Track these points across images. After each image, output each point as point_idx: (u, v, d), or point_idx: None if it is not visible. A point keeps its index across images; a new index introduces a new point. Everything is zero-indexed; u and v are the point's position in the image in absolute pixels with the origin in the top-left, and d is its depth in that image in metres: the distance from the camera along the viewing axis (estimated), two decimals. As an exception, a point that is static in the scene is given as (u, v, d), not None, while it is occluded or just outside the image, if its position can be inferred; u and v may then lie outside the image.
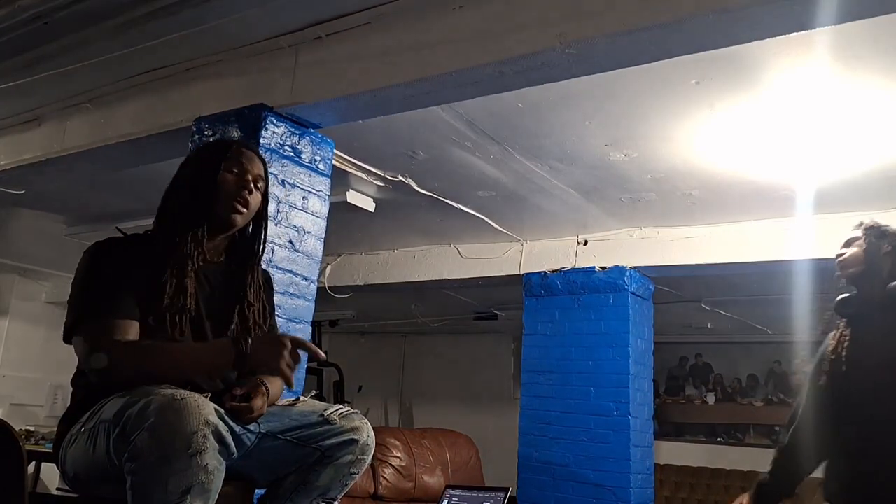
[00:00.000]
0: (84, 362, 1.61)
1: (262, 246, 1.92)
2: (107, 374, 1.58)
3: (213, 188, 1.78)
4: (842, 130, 3.28)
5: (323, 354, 1.70)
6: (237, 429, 1.59)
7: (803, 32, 2.20)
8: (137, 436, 1.40)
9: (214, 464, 1.44)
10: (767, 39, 2.29)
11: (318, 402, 1.90)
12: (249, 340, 1.61)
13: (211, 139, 2.97)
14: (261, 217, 1.90)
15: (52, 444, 1.76)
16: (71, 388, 1.76)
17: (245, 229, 1.89)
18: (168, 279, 1.69)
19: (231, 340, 1.64)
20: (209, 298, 1.78)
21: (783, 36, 2.24)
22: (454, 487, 4.35)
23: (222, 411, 1.53)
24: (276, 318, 2.12)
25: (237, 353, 1.60)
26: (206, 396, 1.53)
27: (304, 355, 2.87)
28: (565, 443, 4.79)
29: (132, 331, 1.64)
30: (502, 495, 4.15)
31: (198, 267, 1.76)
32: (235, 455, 1.55)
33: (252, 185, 1.81)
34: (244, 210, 1.81)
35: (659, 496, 6.34)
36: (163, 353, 1.62)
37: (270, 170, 2.08)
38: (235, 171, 1.81)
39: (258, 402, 1.66)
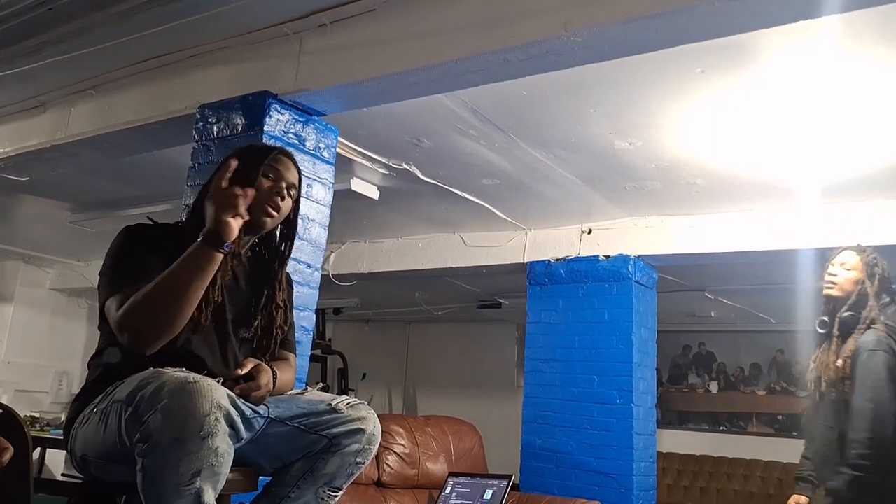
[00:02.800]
0: (114, 322, 1.62)
1: (287, 253, 1.98)
2: (131, 320, 1.59)
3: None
4: (847, 120, 3.26)
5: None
6: (247, 412, 1.62)
7: (809, 21, 2.19)
8: (150, 417, 1.42)
9: (225, 447, 1.46)
10: (773, 28, 2.28)
11: (325, 393, 1.94)
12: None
13: (215, 127, 2.97)
14: (291, 222, 1.96)
15: (57, 430, 1.78)
16: (86, 371, 1.78)
17: (273, 231, 1.95)
18: None
19: (200, 240, 1.64)
20: (233, 292, 1.83)
21: (789, 24, 2.23)
22: (457, 475, 4.37)
23: (234, 396, 1.56)
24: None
25: (209, 238, 1.62)
26: (218, 381, 1.55)
27: (308, 344, 2.87)
28: (568, 431, 4.80)
29: None
30: (505, 482, 4.17)
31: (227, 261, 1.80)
32: (245, 438, 1.58)
33: (285, 192, 1.87)
34: (275, 214, 1.86)
35: (661, 484, 6.34)
36: (159, 285, 1.61)
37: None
38: (272, 176, 1.86)
39: (263, 379, 1.70)
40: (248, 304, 1.88)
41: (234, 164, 1.72)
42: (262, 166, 1.85)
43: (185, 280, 1.60)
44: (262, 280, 1.92)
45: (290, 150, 2.86)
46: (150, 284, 1.60)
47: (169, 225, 1.88)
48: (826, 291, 2.83)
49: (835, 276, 2.82)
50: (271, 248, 1.98)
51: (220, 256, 1.63)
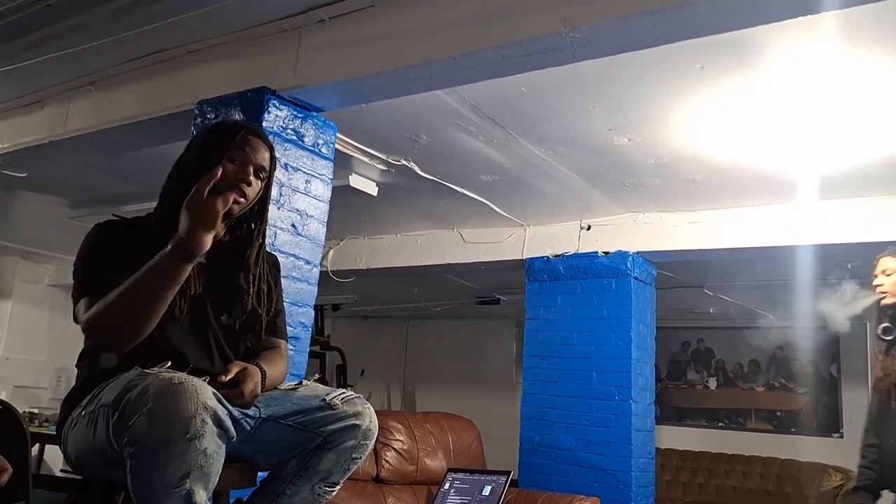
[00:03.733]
0: (82, 330, 1.60)
1: (259, 232, 1.88)
2: (94, 325, 1.57)
3: None
4: (846, 116, 3.26)
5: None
6: (236, 413, 1.59)
7: (809, 17, 2.19)
8: (136, 420, 1.40)
9: (213, 447, 1.44)
10: (773, 24, 2.27)
11: (320, 385, 1.89)
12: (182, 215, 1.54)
13: (214, 122, 2.97)
14: (262, 200, 1.86)
15: (55, 427, 1.78)
16: (75, 370, 1.76)
17: (245, 215, 1.86)
18: None
19: (167, 248, 1.55)
20: (209, 279, 1.76)
21: (789, 20, 2.23)
22: (456, 471, 4.37)
23: (221, 395, 1.53)
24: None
25: (180, 250, 1.53)
26: (205, 380, 1.52)
27: (306, 340, 2.86)
28: (567, 427, 4.81)
29: None
30: (504, 478, 4.17)
31: None
32: (235, 439, 1.55)
33: (251, 178, 1.77)
34: (241, 201, 1.76)
35: (660, 480, 6.35)
36: (123, 294, 1.55)
37: (273, 153, 2.06)
38: (237, 160, 1.77)
39: (248, 387, 1.64)
40: (228, 290, 1.81)
41: (218, 171, 1.59)
42: (226, 149, 1.76)
43: (151, 290, 1.55)
44: (240, 264, 1.85)
45: (289, 145, 2.87)
46: (115, 292, 1.54)
47: (140, 219, 1.81)
48: (884, 301, 2.89)
49: (882, 284, 2.89)
50: (242, 231, 1.88)
51: (189, 267, 1.56)
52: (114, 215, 1.81)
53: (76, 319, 1.64)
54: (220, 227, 1.54)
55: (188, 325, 1.72)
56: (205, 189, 1.54)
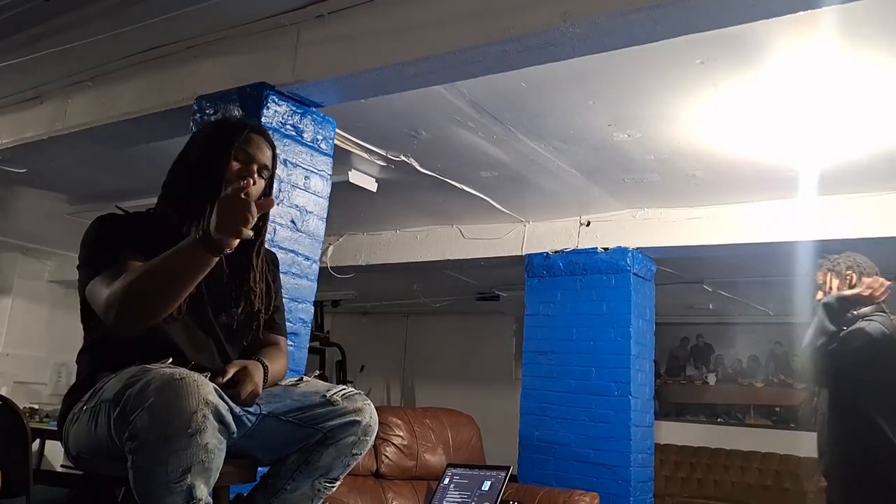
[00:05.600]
0: (101, 302, 1.59)
1: (261, 232, 1.88)
2: (123, 299, 1.54)
3: (218, 174, 1.76)
4: (846, 112, 3.26)
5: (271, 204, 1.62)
6: (237, 409, 1.59)
7: (809, 12, 2.19)
8: (137, 416, 1.41)
9: (214, 443, 1.45)
10: (773, 19, 2.27)
11: (320, 382, 1.90)
12: (210, 217, 1.52)
13: (212, 118, 2.97)
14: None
15: (55, 422, 1.78)
16: (76, 366, 1.76)
17: None
18: None
19: (195, 238, 1.54)
20: (211, 278, 1.73)
21: (789, 15, 2.23)
22: (456, 466, 4.38)
23: (222, 391, 1.53)
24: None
25: (210, 244, 1.52)
26: (206, 376, 1.53)
27: (306, 336, 2.87)
28: (566, 422, 4.81)
29: None
30: (503, 474, 4.18)
31: None
32: (235, 434, 1.56)
33: (255, 175, 1.79)
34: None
35: (659, 475, 6.37)
36: (149, 270, 1.56)
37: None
38: (241, 158, 1.79)
39: (247, 388, 1.65)
40: (228, 289, 1.82)
41: (250, 183, 1.60)
42: (231, 148, 1.78)
43: (177, 272, 1.55)
44: (240, 263, 1.84)
45: (288, 141, 2.87)
46: (142, 268, 1.55)
47: (141, 213, 1.82)
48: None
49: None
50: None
51: (214, 261, 1.56)
52: (117, 207, 1.81)
53: (95, 301, 1.63)
54: (248, 232, 1.53)
55: (188, 324, 1.72)
56: (243, 189, 1.52)
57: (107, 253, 1.66)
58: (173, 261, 1.55)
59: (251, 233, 1.53)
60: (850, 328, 2.91)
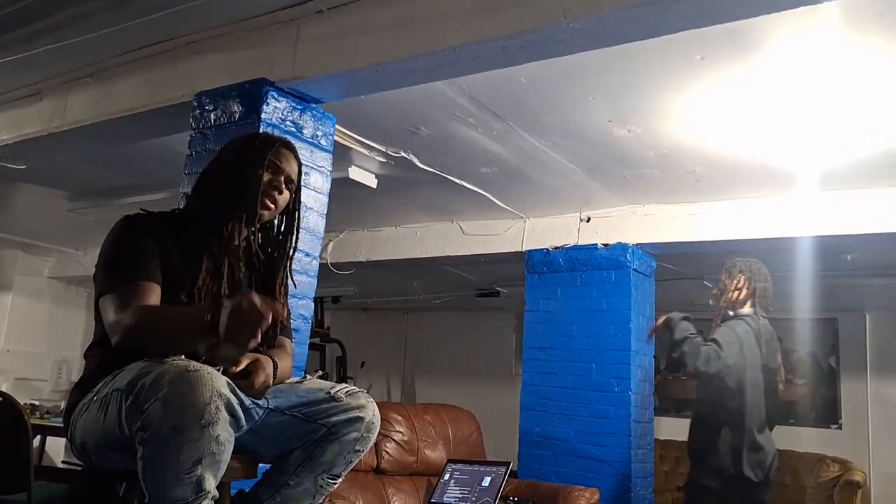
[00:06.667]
0: (109, 322, 1.62)
1: (293, 243, 1.96)
2: (129, 333, 1.59)
3: (251, 183, 1.84)
4: (846, 107, 3.26)
5: (281, 312, 1.59)
6: (247, 402, 1.62)
7: (809, 7, 2.19)
8: (150, 406, 1.42)
9: (225, 435, 1.46)
10: (773, 14, 2.27)
11: (324, 381, 1.93)
12: (224, 307, 1.49)
13: (212, 115, 2.96)
14: (290, 213, 1.96)
15: (56, 419, 1.78)
16: (83, 360, 1.78)
17: (272, 224, 1.97)
18: (205, 261, 1.76)
19: (204, 316, 1.53)
20: (235, 286, 1.81)
21: (789, 10, 2.22)
22: (456, 461, 4.38)
23: (234, 384, 1.55)
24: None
25: (208, 325, 1.51)
26: (218, 369, 1.54)
27: (306, 332, 2.87)
28: (566, 418, 4.82)
29: (154, 295, 1.67)
30: (503, 469, 4.18)
31: (231, 254, 1.82)
32: (245, 427, 1.58)
33: (283, 186, 1.89)
34: (272, 207, 1.88)
35: (659, 471, 6.36)
36: (158, 321, 1.62)
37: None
38: (271, 169, 1.87)
39: (259, 378, 1.67)
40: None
41: (278, 306, 1.54)
42: (264, 161, 1.86)
43: (182, 339, 1.60)
44: (265, 274, 1.92)
45: (289, 137, 2.86)
46: (156, 315, 1.61)
47: (166, 214, 1.87)
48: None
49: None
50: (274, 241, 1.97)
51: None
52: (141, 210, 1.84)
53: (103, 316, 1.67)
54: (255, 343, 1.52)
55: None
56: (252, 304, 1.46)
57: (125, 266, 1.69)
58: (183, 327, 1.59)
59: (258, 341, 1.51)
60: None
